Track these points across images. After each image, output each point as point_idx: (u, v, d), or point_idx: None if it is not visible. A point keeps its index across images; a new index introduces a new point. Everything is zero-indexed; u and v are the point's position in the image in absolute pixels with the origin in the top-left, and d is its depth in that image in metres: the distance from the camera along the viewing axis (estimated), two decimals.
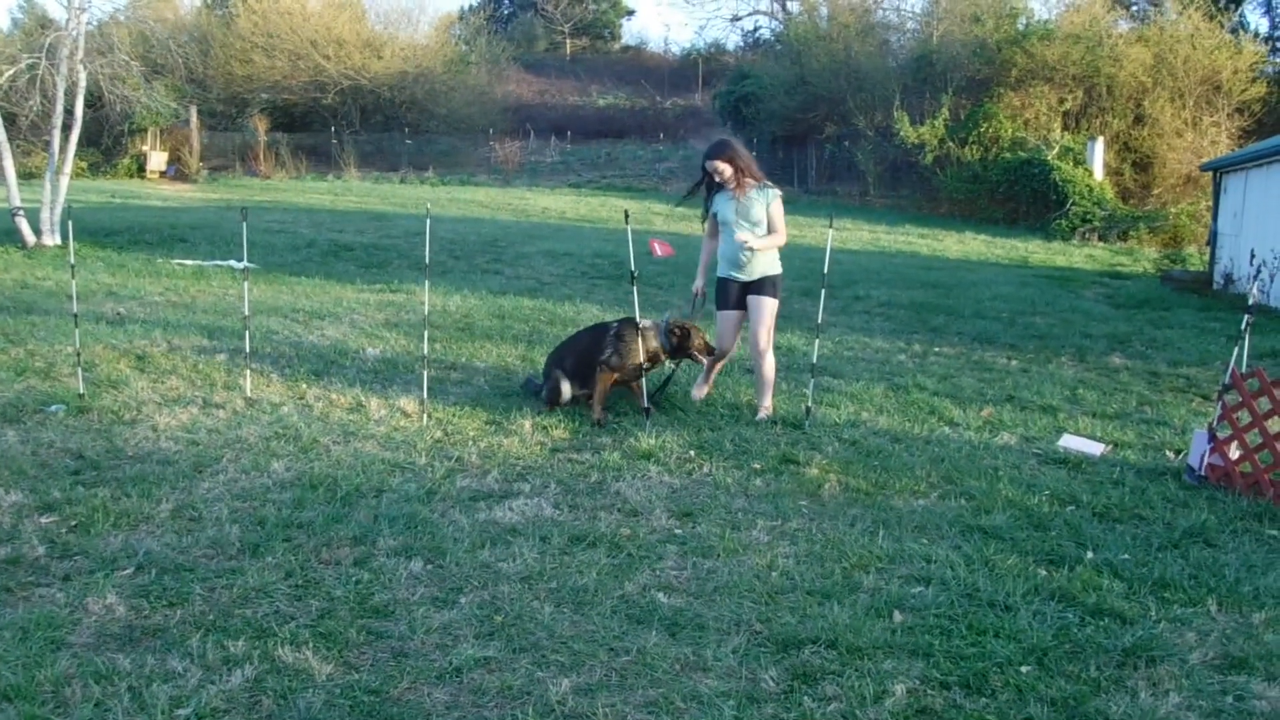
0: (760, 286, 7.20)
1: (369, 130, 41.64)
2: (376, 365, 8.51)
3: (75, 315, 7.85)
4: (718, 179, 7.11)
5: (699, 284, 7.63)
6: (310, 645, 3.73)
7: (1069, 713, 3.38)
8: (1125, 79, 30.15)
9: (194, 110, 38.05)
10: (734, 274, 7.26)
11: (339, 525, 4.89)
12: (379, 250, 17.25)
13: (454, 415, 7.02)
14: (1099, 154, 28.77)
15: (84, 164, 32.59)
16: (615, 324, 7.30)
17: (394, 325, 10.33)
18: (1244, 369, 6.19)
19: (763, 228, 7.09)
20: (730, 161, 7.02)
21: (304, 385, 7.71)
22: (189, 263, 14.96)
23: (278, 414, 6.89)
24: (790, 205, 31.55)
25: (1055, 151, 28.52)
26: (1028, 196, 27.95)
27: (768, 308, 7.19)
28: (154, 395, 7.27)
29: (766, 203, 7.08)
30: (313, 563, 4.46)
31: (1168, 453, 6.74)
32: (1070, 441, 6.87)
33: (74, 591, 4.13)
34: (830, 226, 8.40)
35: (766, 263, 7.18)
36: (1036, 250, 22.41)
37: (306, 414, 6.91)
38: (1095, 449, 6.71)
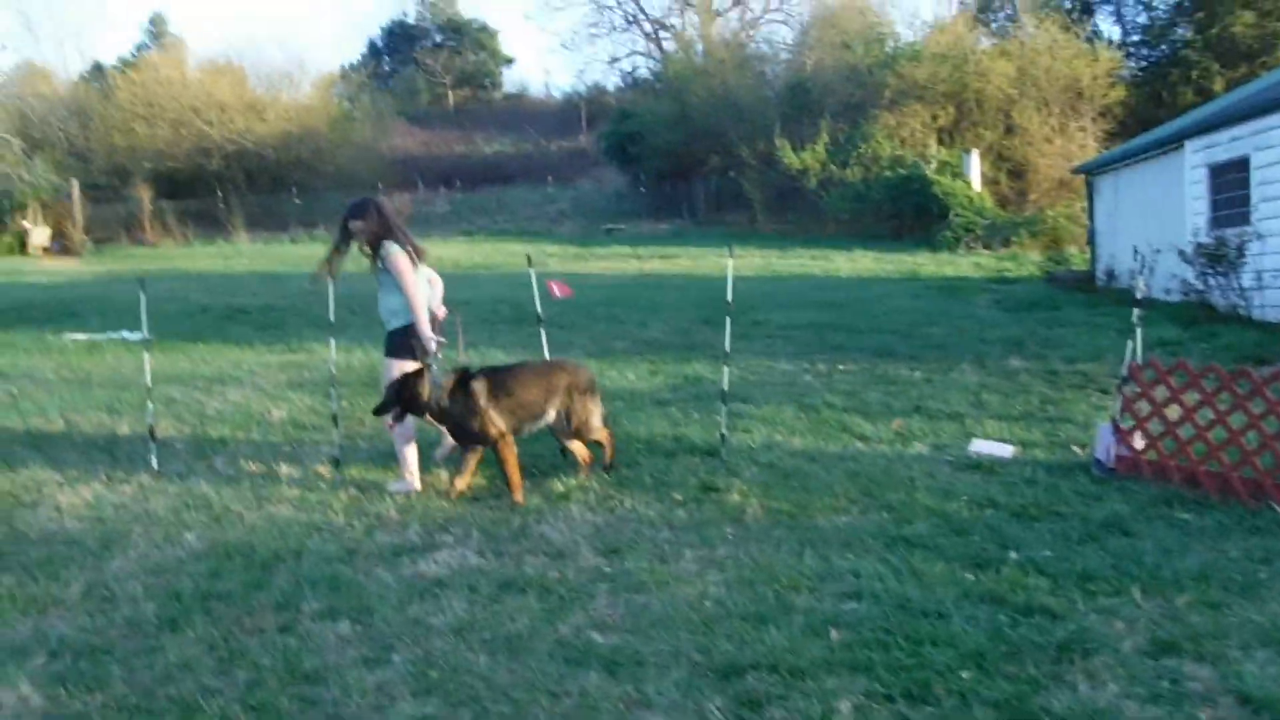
0: (388, 343, 6.80)
1: (256, 192, 40.87)
2: (284, 427, 8.31)
3: None
4: (355, 237, 6.79)
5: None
6: (241, 718, 3.59)
7: (1013, 713, 3.43)
8: (993, 92, 31.35)
9: (75, 183, 36.96)
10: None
11: (260, 592, 4.74)
12: (275, 311, 16.90)
13: (368, 471, 6.88)
14: (975, 165, 29.78)
15: None
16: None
17: (298, 385, 10.11)
18: (1138, 360, 6.42)
19: (385, 287, 6.72)
20: (365, 220, 6.71)
21: (211, 453, 7.49)
22: (81, 337, 14.45)
23: (186, 484, 6.67)
24: (681, 238, 31.99)
25: (933, 166, 29.41)
26: (911, 211, 28.75)
27: (388, 371, 6.68)
28: (54, 474, 6.98)
29: (381, 265, 6.66)
30: (235, 633, 4.30)
31: (1075, 448, 6.94)
32: (980, 446, 7.03)
33: None
34: (730, 255, 8.49)
35: (391, 318, 6.75)
36: (925, 262, 23.00)
37: (216, 481, 6.70)
38: (1005, 451, 6.88)
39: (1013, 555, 4.88)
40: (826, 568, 4.83)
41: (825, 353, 11.44)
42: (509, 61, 64.75)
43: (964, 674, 3.70)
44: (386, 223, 6.74)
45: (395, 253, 6.64)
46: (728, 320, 7.60)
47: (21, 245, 35.32)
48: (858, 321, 13.65)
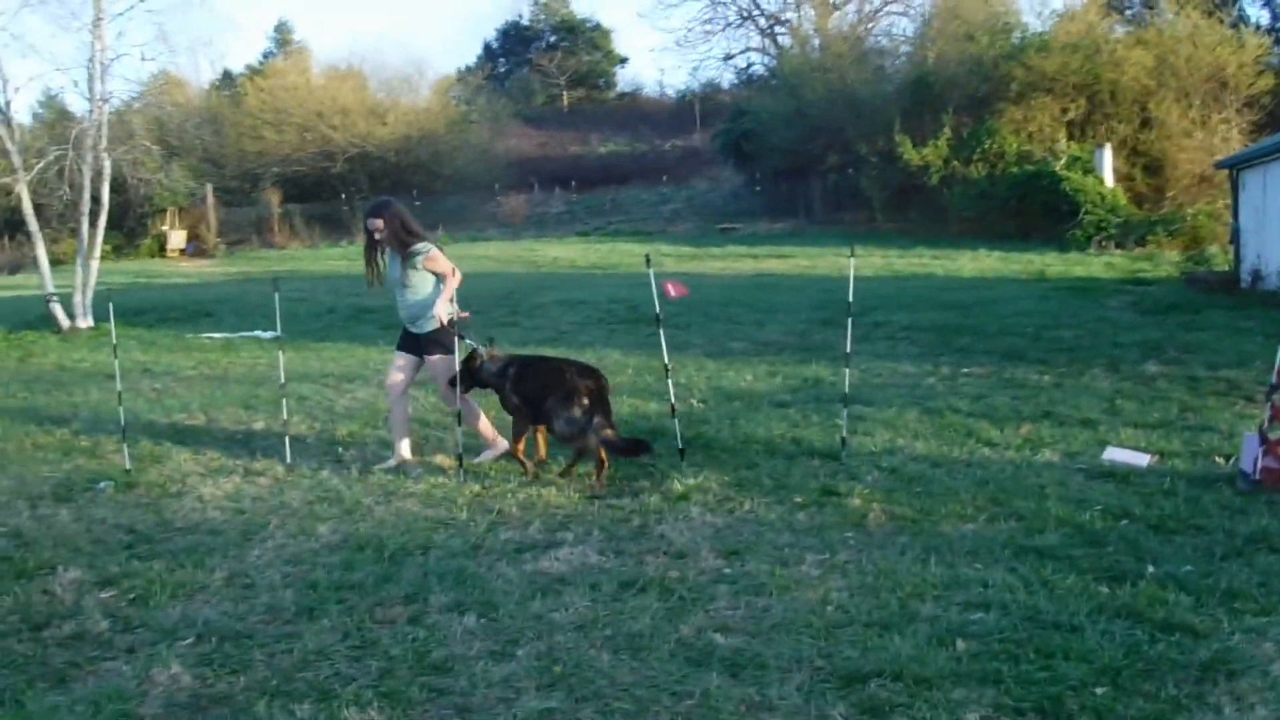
0: (426, 345, 7.34)
1: (378, 194, 41.99)
2: (410, 424, 8.50)
3: (120, 394, 7.89)
4: (377, 236, 7.26)
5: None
6: (375, 705, 3.72)
7: None
8: (1128, 83, 30.09)
9: (209, 188, 38.70)
10: (406, 326, 7.45)
11: (390, 584, 4.89)
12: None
13: (489, 468, 7.03)
14: (1108, 161, 28.70)
15: (108, 246, 32.99)
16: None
17: (420, 384, 10.32)
18: None
19: (415, 287, 7.26)
20: (387, 220, 7.17)
21: (341, 448, 7.75)
22: (217, 336, 15.12)
23: (318, 478, 6.92)
24: (798, 237, 31.69)
25: (1063, 162, 28.47)
26: (1038, 209, 27.85)
27: (435, 368, 7.35)
28: (197, 467, 7.34)
29: (416, 266, 7.18)
30: (368, 623, 4.45)
31: (1217, 459, 6.64)
32: (1115, 454, 6.78)
33: (139, 664, 4.15)
34: (852, 255, 8.36)
35: (427, 319, 7.28)
36: (1053, 262, 22.31)
37: (346, 476, 6.94)
38: (1142, 460, 6.63)
39: (1151, 569, 4.69)
40: (952, 576, 4.73)
41: (949, 355, 11.22)
42: (623, 61, 65.07)
43: (1099, 690, 3.58)
44: (409, 224, 7.24)
45: (433, 251, 7.20)
46: (848, 321, 7.49)
47: (161, 248, 37.26)
48: (983, 323, 13.32)
